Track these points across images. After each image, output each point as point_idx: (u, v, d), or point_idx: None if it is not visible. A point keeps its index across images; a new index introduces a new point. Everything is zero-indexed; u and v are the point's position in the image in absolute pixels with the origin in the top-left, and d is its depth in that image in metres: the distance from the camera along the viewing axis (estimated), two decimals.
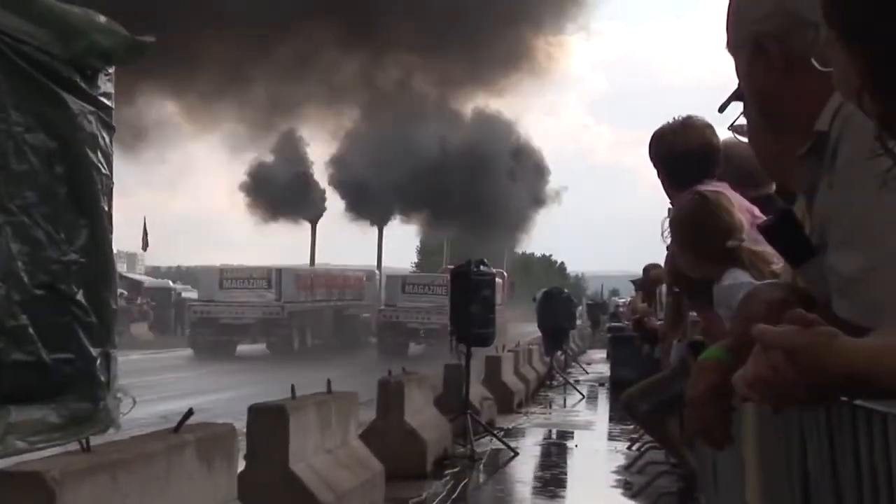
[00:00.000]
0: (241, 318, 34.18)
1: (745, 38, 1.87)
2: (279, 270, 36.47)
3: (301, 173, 50.53)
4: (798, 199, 2.04)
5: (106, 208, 3.74)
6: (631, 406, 7.53)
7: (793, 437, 2.31)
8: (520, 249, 61.82)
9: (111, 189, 3.77)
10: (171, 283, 53.41)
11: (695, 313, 5.17)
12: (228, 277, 35.60)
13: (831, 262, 1.64)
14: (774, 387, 1.32)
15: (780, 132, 1.90)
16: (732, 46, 1.93)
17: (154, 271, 65.99)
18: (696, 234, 3.51)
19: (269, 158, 50.08)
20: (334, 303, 39.14)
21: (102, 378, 3.63)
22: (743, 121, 2.07)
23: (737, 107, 2.09)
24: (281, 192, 49.28)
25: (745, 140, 2.22)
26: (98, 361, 3.61)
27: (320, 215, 53.23)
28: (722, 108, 2.17)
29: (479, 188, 44.27)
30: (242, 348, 34.92)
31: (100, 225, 3.66)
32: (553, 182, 56.96)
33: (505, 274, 44.42)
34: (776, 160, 2.00)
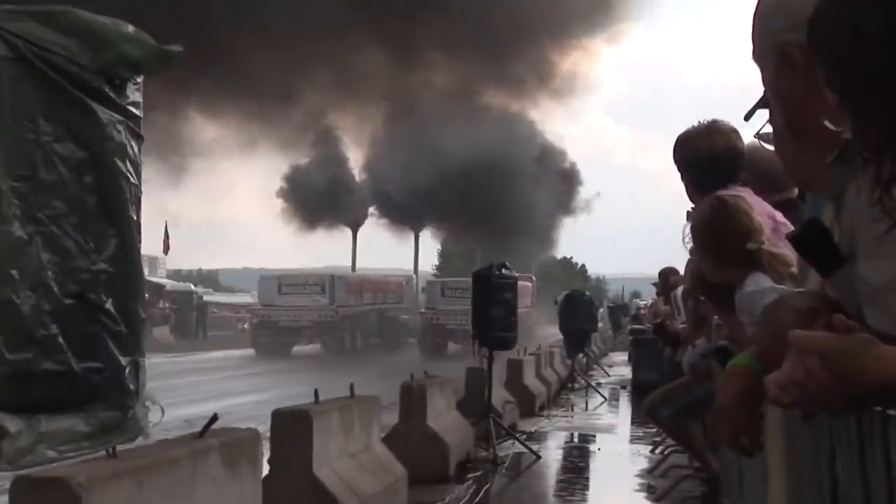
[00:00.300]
0: (298, 321, 37.34)
1: (770, 47, 1.87)
2: (332, 277, 39.62)
3: (339, 177, 50.06)
4: (826, 207, 2.03)
5: (134, 217, 3.77)
6: (653, 412, 7.51)
7: (822, 441, 2.30)
8: (547, 254, 61.46)
9: (139, 198, 3.80)
10: (192, 286, 53.66)
11: (717, 318, 5.16)
12: (286, 284, 38.49)
13: (861, 271, 1.63)
14: (808, 392, 1.32)
15: (807, 140, 1.90)
16: (758, 56, 1.93)
17: (175, 274, 66.29)
18: (716, 238, 3.51)
19: (306, 160, 49.57)
20: (379, 306, 41.91)
21: (131, 387, 3.65)
22: (769, 129, 2.07)
23: (762, 114, 2.09)
24: (319, 197, 49.09)
25: (771, 148, 2.21)
26: (127, 370, 3.64)
27: (361, 221, 53.29)
28: (748, 116, 2.17)
29: (505, 196, 44.16)
30: (298, 349, 37.70)
31: (128, 234, 3.69)
32: (582, 189, 56.63)
33: (533, 278, 46.96)
34: (803, 168, 1.99)
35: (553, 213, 51.76)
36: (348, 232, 54.13)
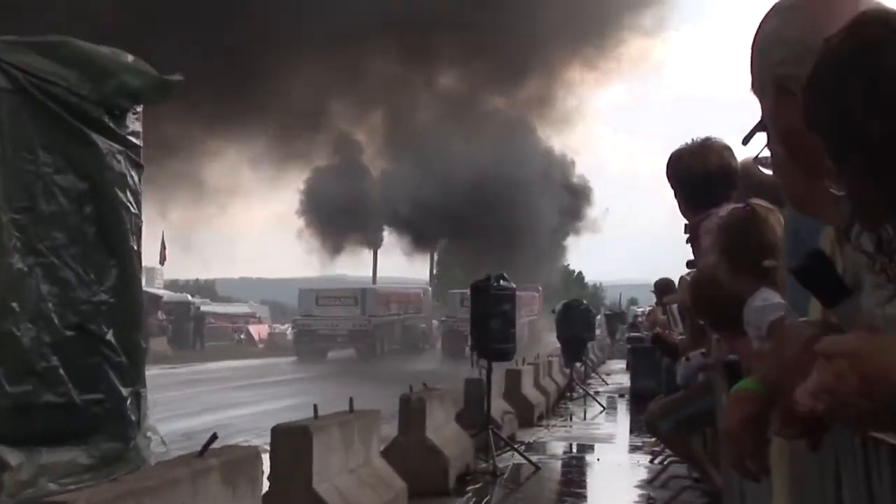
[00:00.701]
0: (335, 330, 41.95)
1: (769, 80, 1.87)
2: (364, 290, 45.13)
3: (358, 192, 49.72)
4: (826, 230, 2.02)
5: (135, 247, 3.73)
6: (653, 425, 7.49)
7: (827, 466, 2.29)
8: (555, 268, 61.73)
9: (140, 228, 3.76)
10: (189, 296, 53.52)
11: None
12: (323, 296, 43.53)
13: (869, 304, 1.62)
14: (839, 398, 1.32)
15: (811, 172, 1.89)
16: (757, 88, 1.93)
17: (172, 284, 66.08)
18: (737, 246, 3.47)
19: (323, 175, 49.13)
20: (402, 316, 46.72)
21: (133, 417, 3.63)
22: (767, 153, 2.06)
23: (761, 136, 2.08)
24: (339, 215, 49.11)
25: (770, 173, 2.21)
26: (128, 401, 3.61)
27: (380, 240, 54.26)
28: (746, 140, 2.15)
29: (512, 212, 44.34)
30: (334, 354, 41.91)
31: (129, 264, 3.66)
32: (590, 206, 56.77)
33: (540, 288, 51.29)
34: (808, 197, 1.98)
35: (560, 230, 52.28)
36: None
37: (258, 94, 33.14)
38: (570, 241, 58.19)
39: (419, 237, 51.43)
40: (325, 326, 41.96)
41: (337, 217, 48.59)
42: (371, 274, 58.71)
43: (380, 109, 41.44)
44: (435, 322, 51.48)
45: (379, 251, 56.91)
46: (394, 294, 48.13)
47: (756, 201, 3.61)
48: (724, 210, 4.21)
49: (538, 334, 45.80)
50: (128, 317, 3.63)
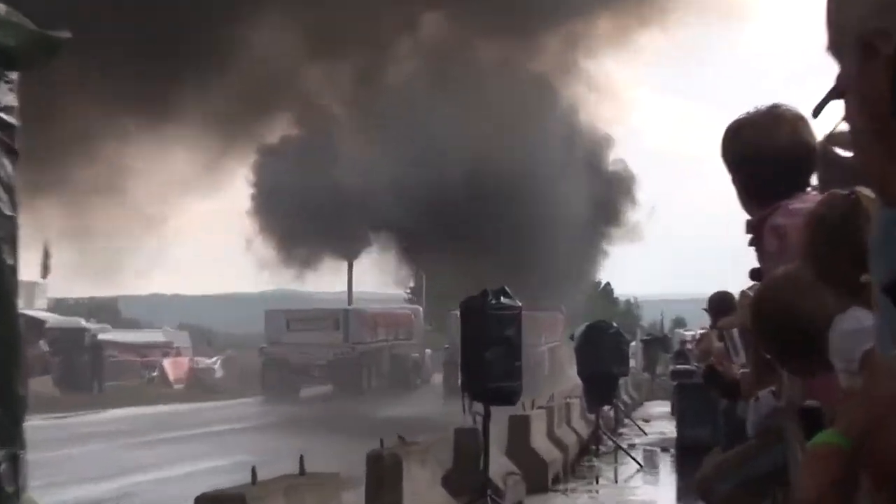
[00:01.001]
0: (311, 360, 44.41)
1: (850, 37, 1.90)
2: (346, 311, 47.77)
3: (328, 188, 48.98)
4: None
5: (10, 261, 3.71)
6: (707, 488, 7.51)
7: None
8: (585, 285, 61.93)
9: (15, 235, 3.73)
10: (82, 321, 53.33)
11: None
12: (295, 319, 46.29)
13: None
14: None
15: None
16: (834, 47, 1.96)
17: (59, 305, 65.89)
18: (833, 245, 3.41)
19: (277, 164, 48.71)
20: (391, 342, 49.39)
21: (9, 488, 3.62)
22: (844, 127, 2.09)
23: (834, 107, 2.12)
24: (309, 220, 48.55)
25: (848, 154, 2.24)
26: (2, 466, 3.61)
27: (358, 249, 54.35)
28: (817, 112, 2.19)
29: (524, 209, 44.27)
30: (308, 391, 44.60)
31: (1, 284, 3.65)
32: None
33: (563, 308, 52.51)
34: (892, 186, 2.01)
35: (594, 230, 52.25)
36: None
37: (187, 54, 33.23)
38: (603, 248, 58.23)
39: (407, 244, 51.34)
40: (298, 356, 43.89)
41: (304, 219, 47.98)
42: (344, 288, 58.54)
43: (353, 65, 41.75)
44: (428, 351, 53.11)
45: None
46: (381, 316, 50.22)
47: (862, 190, 3.52)
48: (801, 200, 4.20)
49: (561, 365, 46.32)
50: (1, 354, 3.60)
